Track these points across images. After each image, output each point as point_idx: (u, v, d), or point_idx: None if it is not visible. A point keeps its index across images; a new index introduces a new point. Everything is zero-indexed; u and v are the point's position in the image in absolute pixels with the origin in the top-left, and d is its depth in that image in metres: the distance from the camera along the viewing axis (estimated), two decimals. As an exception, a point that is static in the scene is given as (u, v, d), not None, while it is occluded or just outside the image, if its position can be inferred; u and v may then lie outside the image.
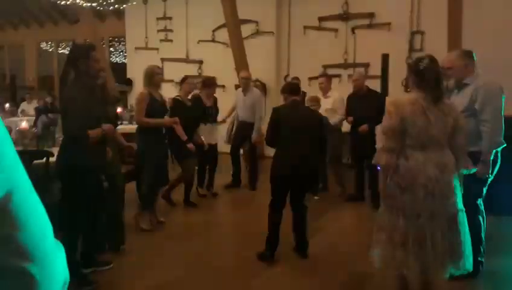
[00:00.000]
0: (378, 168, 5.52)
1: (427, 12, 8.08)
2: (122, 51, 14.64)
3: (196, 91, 6.21)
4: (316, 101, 5.80)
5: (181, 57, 10.66)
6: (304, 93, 6.45)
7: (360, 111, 5.68)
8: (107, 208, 3.91)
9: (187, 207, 5.70)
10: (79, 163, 3.31)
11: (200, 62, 10.47)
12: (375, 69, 7.59)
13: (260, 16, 9.56)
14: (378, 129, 4.51)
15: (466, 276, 3.15)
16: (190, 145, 5.34)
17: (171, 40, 10.94)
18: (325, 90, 6.23)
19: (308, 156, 3.87)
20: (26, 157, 3.63)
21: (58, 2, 9.63)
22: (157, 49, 11.06)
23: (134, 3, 10.30)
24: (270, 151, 4.61)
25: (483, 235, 3.48)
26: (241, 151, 6.93)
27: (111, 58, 14.14)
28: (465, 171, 2.93)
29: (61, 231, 0.66)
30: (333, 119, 5.98)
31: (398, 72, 6.93)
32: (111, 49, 14.37)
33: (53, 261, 0.65)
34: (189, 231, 4.94)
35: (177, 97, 5.57)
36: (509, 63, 6.89)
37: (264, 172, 6.66)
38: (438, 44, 6.78)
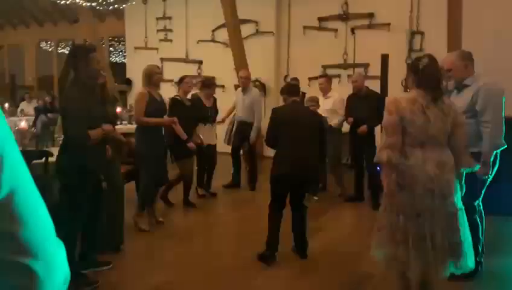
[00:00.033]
0: (378, 168, 5.56)
1: (426, 13, 8.08)
2: (121, 51, 14.65)
3: (195, 91, 6.20)
4: (315, 101, 5.80)
5: (181, 57, 10.65)
6: (303, 94, 6.45)
7: (359, 112, 5.68)
8: (107, 208, 3.91)
9: (186, 207, 5.70)
10: (79, 163, 3.31)
11: (200, 62, 10.47)
12: (375, 70, 7.58)
13: (260, 16, 9.55)
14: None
15: (465, 276, 3.15)
16: (191, 144, 5.34)
17: (170, 40, 10.94)
18: (325, 90, 6.23)
19: (308, 156, 3.86)
20: (25, 157, 3.62)
21: (58, 1, 9.62)
22: (156, 49, 11.05)
23: (134, 3, 10.31)
24: (270, 152, 4.61)
25: (481, 235, 3.48)
26: (241, 151, 6.92)
27: (110, 58, 14.14)
28: (468, 170, 2.93)
29: (60, 231, 0.66)
30: (334, 121, 5.98)
31: (398, 72, 6.92)
32: (110, 49, 14.38)
33: (54, 258, 0.66)
34: (189, 231, 4.93)
35: (176, 97, 5.56)
36: (509, 63, 6.89)
37: (263, 172, 6.66)
38: (438, 44, 6.78)
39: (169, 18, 10.86)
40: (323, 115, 5.78)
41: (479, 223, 3.45)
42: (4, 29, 15.12)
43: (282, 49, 9.60)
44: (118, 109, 7.15)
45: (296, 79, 7.61)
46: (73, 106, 3.32)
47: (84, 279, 3.40)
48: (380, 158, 2.82)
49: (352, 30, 8.83)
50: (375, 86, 6.39)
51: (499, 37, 7.23)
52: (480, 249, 3.47)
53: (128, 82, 11.54)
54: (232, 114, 7.05)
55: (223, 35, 9.62)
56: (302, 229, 4.04)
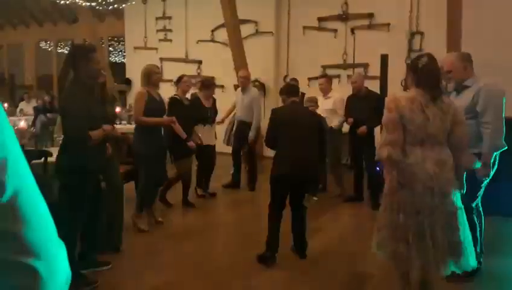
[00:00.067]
0: (378, 168, 5.57)
1: (426, 13, 8.09)
2: (121, 51, 14.65)
3: (194, 90, 6.19)
4: (314, 101, 5.81)
5: (180, 56, 10.65)
6: (303, 95, 6.45)
7: (359, 112, 5.68)
8: (106, 208, 3.90)
9: (186, 207, 5.69)
10: (79, 163, 3.31)
11: (199, 62, 10.47)
12: (375, 70, 7.59)
13: (259, 16, 9.55)
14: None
15: (466, 275, 3.15)
16: (191, 143, 5.34)
17: (170, 40, 10.94)
18: (325, 91, 6.24)
19: (307, 156, 3.86)
20: (25, 157, 3.61)
21: (58, 1, 9.62)
22: (156, 49, 11.05)
23: (134, 2, 10.31)
24: (270, 152, 4.61)
25: (479, 235, 3.48)
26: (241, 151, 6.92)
27: (110, 58, 14.14)
28: (469, 166, 2.94)
29: (60, 231, 0.66)
30: (334, 122, 5.99)
31: (398, 72, 6.92)
32: (110, 48, 14.38)
33: (57, 258, 0.66)
34: (188, 231, 4.93)
35: (175, 96, 5.55)
36: (508, 63, 6.89)
37: (263, 172, 6.66)
38: (437, 45, 6.78)
39: (169, 18, 10.86)
40: (323, 115, 5.79)
41: (477, 223, 3.46)
42: (4, 29, 15.11)
43: (281, 49, 9.60)
44: (117, 109, 7.15)
45: (295, 79, 7.61)
46: (73, 106, 3.32)
47: (83, 279, 3.39)
48: (380, 155, 2.83)
49: (352, 30, 8.83)
50: (374, 86, 6.39)
51: (498, 37, 7.24)
52: (479, 249, 3.47)
53: (128, 82, 11.55)
54: (232, 114, 7.05)
55: (222, 35, 9.62)
56: (301, 230, 4.03)
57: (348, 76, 8.55)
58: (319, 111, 5.70)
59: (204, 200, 6.07)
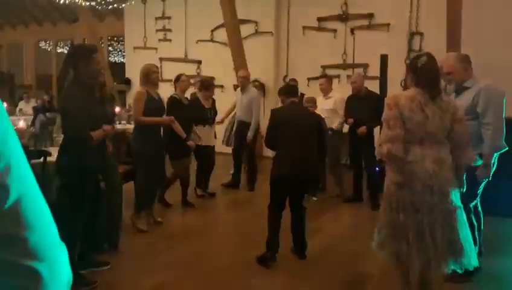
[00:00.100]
0: (377, 169, 5.57)
1: (426, 13, 8.09)
2: (120, 51, 14.64)
3: (193, 90, 6.18)
4: (313, 102, 5.81)
5: (180, 56, 10.66)
6: (302, 95, 6.45)
7: (359, 112, 5.68)
8: (105, 208, 3.90)
9: (185, 207, 5.69)
10: (80, 163, 3.31)
11: (199, 62, 10.47)
12: (374, 70, 7.59)
13: (259, 16, 9.56)
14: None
15: (465, 275, 3.15)
16: (190, 143, 5.34)
17: (169, 40, 10.94)
18: (326, 91, 6.24)
19: (308, 157, 3.86)
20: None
21: (57, 1, 9.61)
22: (155, 48, 11.05)
23: (133, 2, 10.30)
24: (269, 152, 4.62)
25: (477, 235, 3.48)
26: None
27: (109, 58, 14.13)
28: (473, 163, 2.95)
29: (59, 230, 0.66)
30: (335, 123, 5.98)
31: (397, 73, 6.92)
32: (110, 48, 14.37)
33: (58, 260, 0.67)
34: (187, 231, 4.92)
35: (175, 95, 5.54)
36: (508, 63, 6.89)
37: (262, 172, 6.66)
38: (437, 45, 6.77)
39: (169, 18, 10.87)
40: (323, 115, 5.79)
41: (475, 223, 3.46)
42: (3, 28, 15.10)
43: (281, 49, 9.60)
44: (117, 109, 7.15)
45: (294, 80, 7.61)
46: (74, 106, 3.32)
47: (82, 279, 3.39)
48: (380, 152, 2.83)
49: (352, 30, 8.84)
50: (374, 86, 6.40)
51: (498, 37, 7.24)
52: (477, 249, 3.47)
53: (127, 82, 11.55)
54: (231, 115, 7.05)
55: (222, 35, 9.62)
56: (301, 230, 4.03)
57: (348, 76, 8.55)
58: (319, 111, 5.71)
59: (203, 200, 6.07)
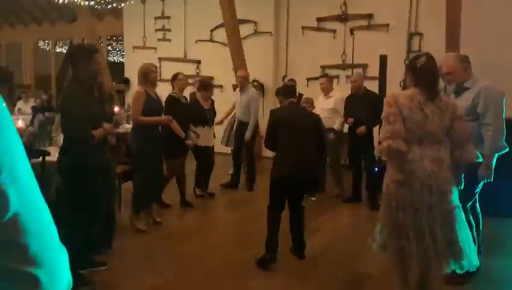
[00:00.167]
0: (376, 169, 5.57)
1: (425, 14, 8.09)
2: (120, 50, 14.62)
3: (192, 90, 6.16)
4: (310, 103, 5.82)
5: (179, 56, 10.64)
6: (300, 95, 6.45)
7: (358, 112, 5.68)
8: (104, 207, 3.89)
9: (184, 207, 5.68)
10: (81, 164, 3.32)
11: (198, 62, 10.46)
12: (373, 70, 7.59)
13: (258, 16, 9.55)
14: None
15: (464, 276, 3.15)
16: (189, 142, 5.33)
17: (169, 40, 10.92)
18: (327, 90, 6.24)
19: (307, 158, 3.85)
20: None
21: (56, 0, 9.60)
22: (155, 48, 11.04)
23: (132, 2, 10.28)
24: (268, 152, 4.61)
25: (476, 235, 3.48)
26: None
27: (109, 57, 14.11)
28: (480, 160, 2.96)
29: (59, 230, 0.66)
30: (336, 124, 5.98)
31: (397, 73, 6.92)
32: (109, 48, 14.35)
33: (58, 264, 0.67)
34: (186, 231, 4.92)
35: (173, 94, 5.53)
36: (508, 64, 6.90)
37: (261, 173, 6.65)
38: (436, 45, 6.77)
39: (168, 18, 10.85)
40: (324, 114, 5.81)
41: (474, 223, 3.45)
42: (2, 28, 15.08)
43: (280, 49, 9.59)
44: (116, 109, 7.13)
45: (292, 80, 7.61)
46: (74, 106, 3.32)
47: (81, 279, 3.38)
48: (381, 149, 2.84)
49: (351, 31, 8.83)
50: (373, 86, 6.39)
51: (497, 38, 7.25)
52: (476, 249, 3.47)
53: (126, 81, 11.53)
54: (231, 115, 7.05)
55: (221, 35, 9.61)
56: (300, 230, 4.03)
57: (347, 76, 8.54)
58: (319, 110, 5.73)
59: (202, 200, 6.06)
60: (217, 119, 6.56)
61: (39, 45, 15.13)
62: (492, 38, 7.22)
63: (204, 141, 5.93)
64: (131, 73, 10.97)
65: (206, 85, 6.20)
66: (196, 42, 10.37)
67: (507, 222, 4.91)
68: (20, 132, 4.87)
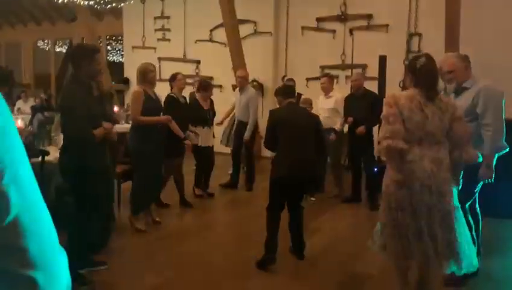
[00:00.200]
0: (375, 169, 5.57)
1: (424, 14, 8.09)
2: (119, 50, 14.61)
3: (191, 89, 6.15)
4: (309, 103, 5.83)
5: (178, 56, 10.64)
6: (299, 95, 6.45)
7: (357, 111, 5.68)
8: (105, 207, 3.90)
9: (183, 207, 5.67)
10: (81, 164, 3.32)
11: (198, 62, 10.45)
12: (373, 71, 7.58)
13: (258, 16, 9.55)
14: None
15: (464, 278, 3.15)
16: (187, 142, 5.32)
17: (168, 40, 10.92)
18: (327, 90, 6.24)
19: (306, 158, 3.85)
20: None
21: (56, 0, 9.59)
22: (154, 48, 11.03)
23: (132, 2, 10.27)
24: (267, 152, 4.61)
25: (475, 236, 3.48)
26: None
27: (108, 57, 14.10)
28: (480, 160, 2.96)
29: (59, 230, 0.66)
30: (337, 124, 5.98)
31: (396, 73, 6.93)
32: (108, 48, 14.33)
33: (57, 267, 0.67)
34: (186, 231, 4.92)
35: (172, 94, 5.52)
36: (508, 64, 6.90)
37: (261, 173, 6.65)
38: (436, 46, 6.77)
39: (167, 17, 10.85)
40: (324, 114, 5.82)
41: (473, 224, 3.45)
42: (2, 27, 15.06)
43: (280, 49, 9.59)
44: (116, 108, 7.13)
45: (291, 80, 7.62)
46: (74, 106, 3.32)
47: (81, 279, 3.38)
48: (380, 149, 2.84)
49: (351, 31, 8.83)
50: (373, 86, 6.39)
51: (497, 37, 7.25)
52: (476, 250, 3.47)
53: (126, 81, 11.53)
54: (231, 115, 7.04)
55: (221, 35, 9.60)
56: (299, 230, 4.02)
57: (347, 77, 8.57)
58: (320, 110, 5.74)
59: (202, 200, 6.06)
60: (217, 119, 6.55)
61: (38, 44, 15.11)
62: (492, 38, 7.22)
63: (204, 141, 5.92)
64: (131, 73, 10.95)
65: (206, 85, 6.19)
66: (196, 42, 10.37)
67: (507, 223, 4.91)
68: (20, 131, 4.86)
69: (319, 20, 9.09)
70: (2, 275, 0.61)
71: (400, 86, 7.42)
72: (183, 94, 5.72)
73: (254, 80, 8.97)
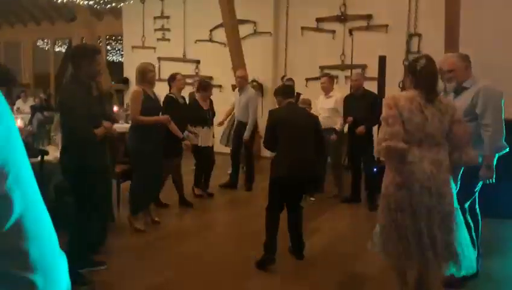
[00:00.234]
0: (375, 169, 5.57)
1: (424, 15, 8.09)
2: (119, 50, 14.61)
3: (191, 89, 6.15)
4: (307, 104, 5.82)
5: (178, 56, 10.64)
6: (298, 95, 6.45)
7: (357, 111, 5.68)
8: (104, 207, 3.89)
9: (182, 207, 5.67)
10: (81, 164, 3.32)
11: (197, 62, 10.45)
12: (372, 71, 7.58)
13: (258, 17, 9.55)
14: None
15: (463, 279, 3.15)
16: (186, 142, 5.32)
17: (168, 40, 10.92)
18: (327, 90, 6.25)
19: (306, 158, 3.85)
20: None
21: (55, 0, 9.58)
22: (154, 48, 11.03)
23: (132, 1, 10.26)
24: (267, 152, 4.61)
25: (475, 236, 3.47)
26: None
27: (108, 57, 14.10)
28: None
29: (58, 230, 0.66)
30: (337, 124, 5.98)
31: (396, 74, 6.93)
32: (108, 47, 14.33)
33: (57, 270, 0.66)
34: (185, 231, 4.91)
35: (171, 95, 5.51)
36: (508, 64, 6.90)
37: (260, 173, 6.65)
38: (435, 46, 6.77)
39: (167, 17, 10.84)
40: (324, 114, 5.82)
41: (472, 224, 3.45)
42: (1, 27, 15.06)
43: (280, 49, 9.59)
44: (115, 108, 7.12)
45: (290, 79, 7.61)
46: (75, 105, 3.32)
47: (80, 278, 3.38)
48: (379, 150, 2.84)
49: (350, 31, 8.83)
50: (372, 87, 6.39)
51: (497, 38, 7.25)
52: (476, 251, 3.47)
53: (125, 81, 11.52)
54: (231, 115, 7.04)
55: (220, 35, 9.60)
56: (298, 230, 4.02)
57: (346, 77, 8.57)
58: (320, 110, 5.74)
59: (201, 200, 6.05)
60: (217, 119, 6.54)
61: (38, 44, 15.11)
62: (492, 38, 7.22)
63: (204, 141, 5.92)
64: (131, 73, 10.92)
65: (205, 85, 6.19)
66: (195, 42, 10.37)
67: (507, 223, 4.91)
68: (19, 131, 4.87)
69: (318, 20, 9.09)
70: (2, 278, 0.61)
71: (399, 86, 7.42)
72: (182, 94, 5.71)
73: (254, 80, 8.97)
